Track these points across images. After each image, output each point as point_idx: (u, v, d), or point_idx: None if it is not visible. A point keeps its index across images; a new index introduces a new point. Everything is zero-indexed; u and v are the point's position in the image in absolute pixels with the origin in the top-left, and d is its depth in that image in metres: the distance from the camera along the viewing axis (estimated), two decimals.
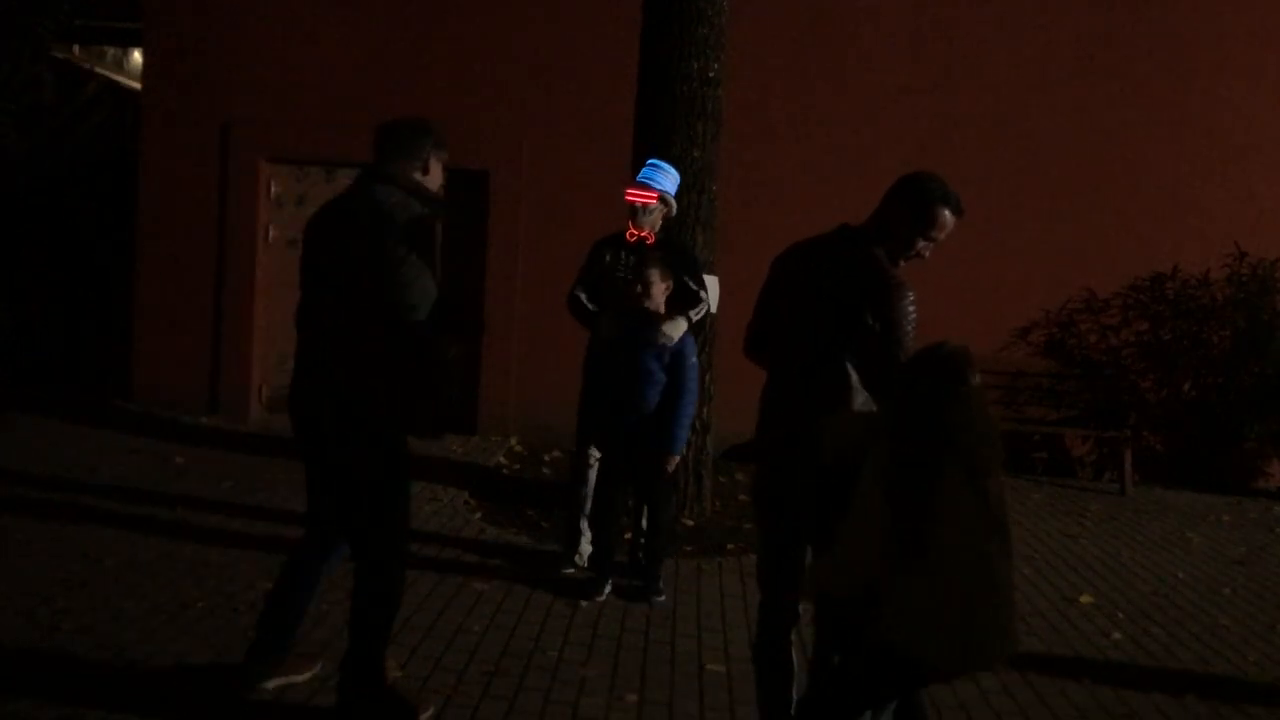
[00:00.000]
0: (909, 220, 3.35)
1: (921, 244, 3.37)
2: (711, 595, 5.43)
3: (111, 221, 9.85)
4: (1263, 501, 8.56)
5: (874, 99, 8.88)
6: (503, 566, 5.63)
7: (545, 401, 8.37)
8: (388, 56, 8.88)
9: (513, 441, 8.76)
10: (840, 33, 8.93)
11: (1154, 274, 9.02)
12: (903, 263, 3.41)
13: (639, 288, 5.20)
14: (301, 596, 3.91)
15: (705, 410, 6.58)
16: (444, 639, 4.58)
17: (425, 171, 3.74)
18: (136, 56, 11.61)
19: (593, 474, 5.60)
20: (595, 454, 5.59)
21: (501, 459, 8.21)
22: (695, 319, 5.41)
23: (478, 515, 6.59)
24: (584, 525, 5.66)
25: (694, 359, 5.31)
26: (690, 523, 6.62)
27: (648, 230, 5.56)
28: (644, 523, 5.55)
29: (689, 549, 6.11)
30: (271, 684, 3.92)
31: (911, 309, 3.23)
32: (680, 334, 5.21)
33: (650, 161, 5.76)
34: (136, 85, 10.72)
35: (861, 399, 3.30)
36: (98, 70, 11.67)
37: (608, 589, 5.27)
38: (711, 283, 6.35)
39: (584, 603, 5.16)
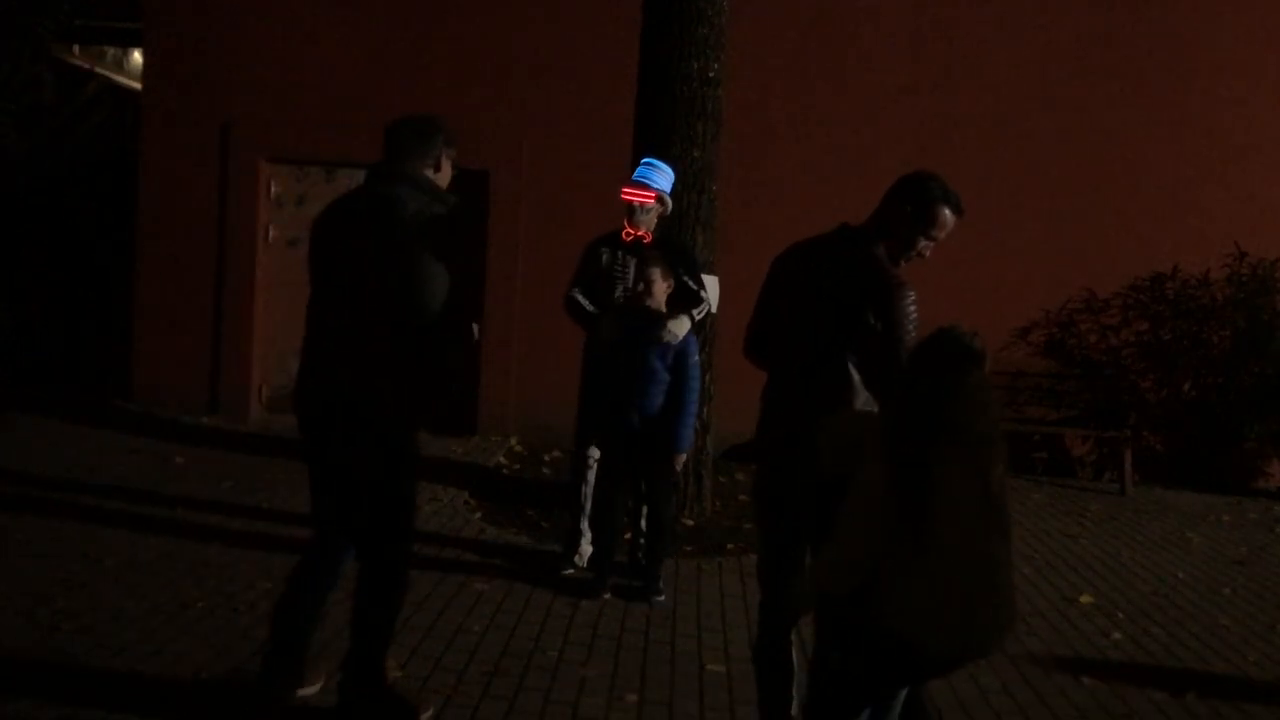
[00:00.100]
0: (910, 219, 3.35)
1: (923, 243, 3.38)
2: (711, 595, 5.43)
3: (111, 221, 9.86)
4: (1263, 501, 8.56)
5: (874, 99, 8.88)
6: (503, 566, 5.63)
7: (545, 401, 8.37)
8: (388, 56, 8.89)
9: (513, 441, 8.76)
10: (840, 33, 8.93)
11: (1154, 274, 9.02)
12: (903, 262, 3.41)
13: (641, 286, 5.20)
14: (313, 601, 3.81)
15: (705, 410, 6.59)
16: (444, 639, 4.58)
17: (437, 169, 3.73)
18: (136, 56, 11.61)
19: (592, 474, 5.61)
20: (594, 454, 5.59)
21: (501, 459, 8.21)
22: (697, 318, 5.41)
23: (478, 515, 6.59)
24: (584, 526, 5.66)
25: (697, 357, 5.32)
26: (690, 523, 6.62)
27: (644, 230, 5.56)
28: (644, 523, 5.55)
29: (689, 549, 6.11)
30: (302, 692, 3.87)
31: (912, 309, 3.23)
32: (684, 332, 5.22)
33: (645, 160, 5.76)
34: (136, 85, 10.72)
35: (862, 399, 3.30)
36: (98, 70, 11.67)
37: (608, 589, 5.27)
38: (711, 283, 6.35)
39: (584, 603, 5.16)
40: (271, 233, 9.04)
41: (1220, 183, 9.00)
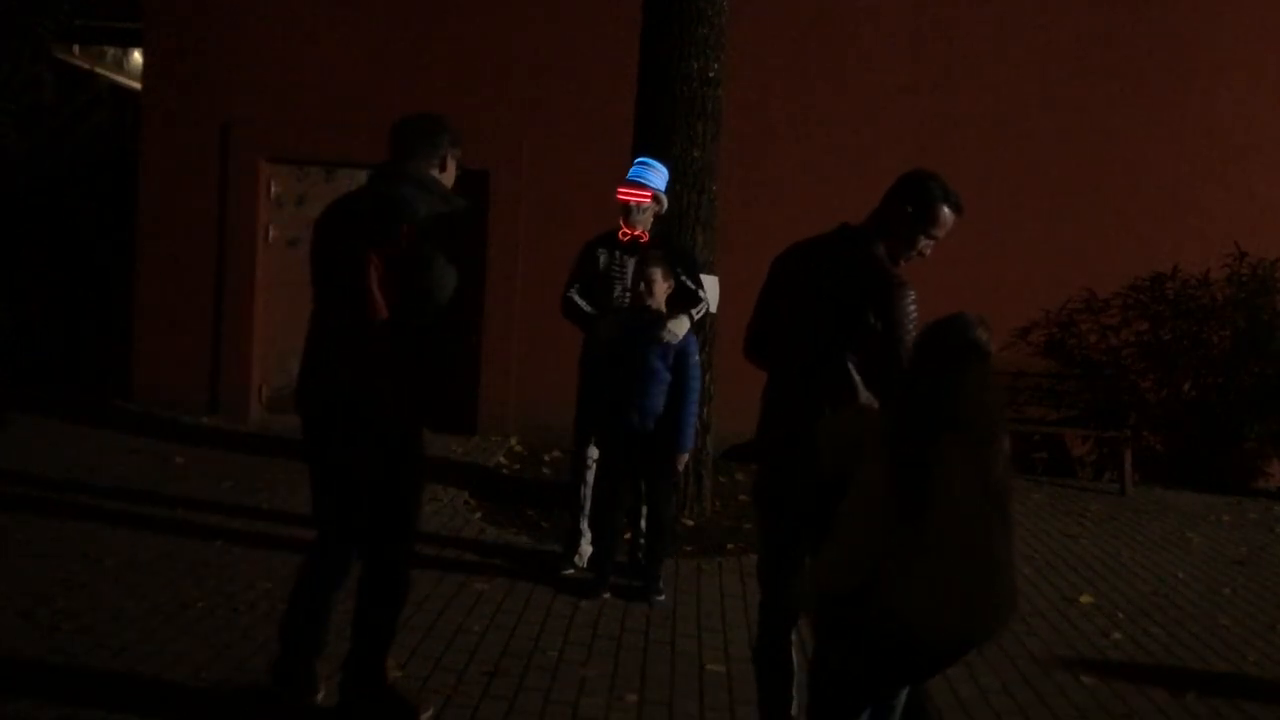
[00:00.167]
0: (911, 219, 3.36)
1: (923, 242, 3.39)
2: (711, 595, 5.43)
3: (111, 221, 9.85)
4: (1263, 501, 8.56)
5: (874, 99, 8.88)
6: (503, 566, 5.63)
7: (545, 401, 8.36)
8: (388, 56, 8.88)
9: (513, 441, 8.76)
10: (840, 33, 8.93)
11: (1154, 274, 9.02)
12: (903, 262, 3.41)
13: (642, 286, 5.20)
14: (321, 606, 3.77)
15: (705, 410, 6.58)
16: (444, 639, 4.58)
17: (442, 169, 3.72)
18: (136, 56, 11.61)
19: (591, 474, 5.61)
20: (594, 454, 5.59)
21: (501, 459, 8.21)
22: (696, 318, 5.41)
23: (478, 515, 6.59)
24: (584, 526, 5.66)
25: (697, 357, 5.32)
26: (690, 523, 6.62)
27: (641, 229, 5.56)
28: (643, 523, 5.55)
29: (689, 549, 6.11)
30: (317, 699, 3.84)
31: (913, 308, 3.24)
32: (684, 331, 5.22)
33: (639, 160, 5.75)
34: (136, 85, 10.72)
35: (863, 399, 3.30)
36: (98, 70, 11.67)
37: (608, 589, 5.27)
38: (711, 283, 6.35)
39: (584, 603, 5.16)
40: (271, 233, 9.04)
41: (1220, 183, 9.00)
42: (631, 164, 5.96)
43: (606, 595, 5.24)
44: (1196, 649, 5.14)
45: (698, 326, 5.50)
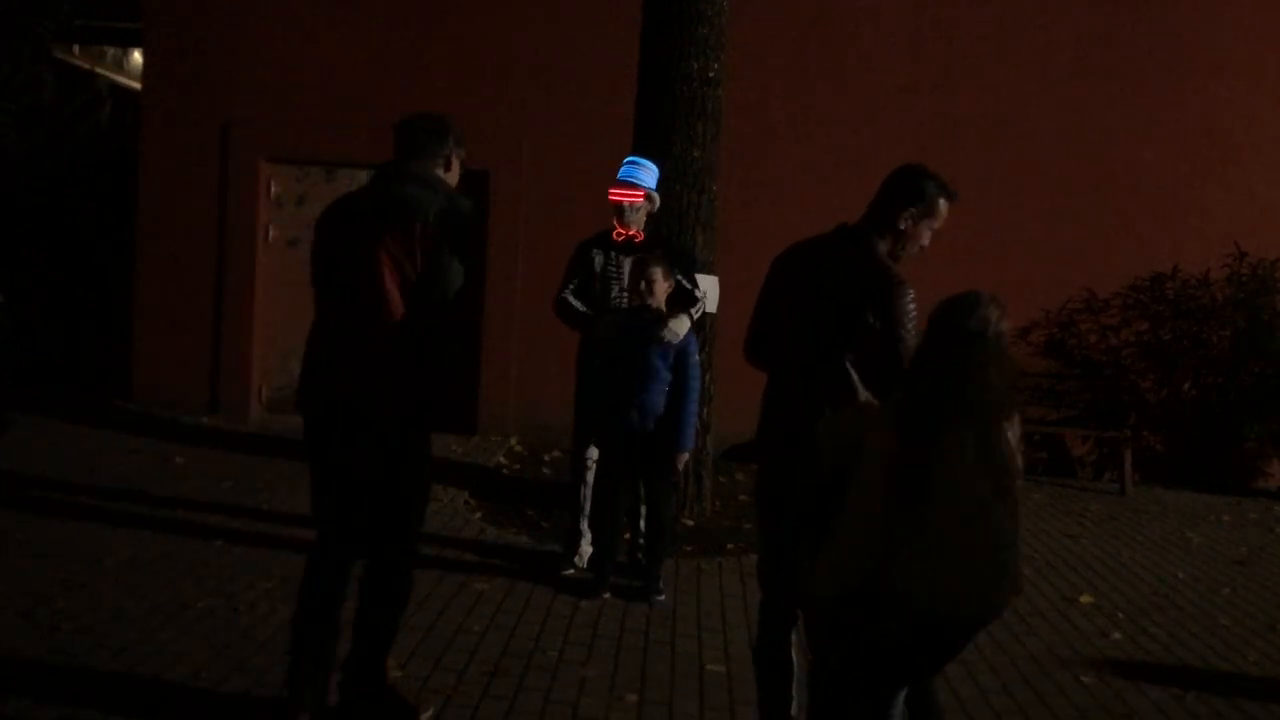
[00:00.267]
0: (913, 216, 3.37)
1: (925, 236, 3.41)
2: (711, 595, 5.43)
3: (111, 221, 9.86)
4: (1263, 501, 8.56)
5: (874, 99, 8.88)
6: (503, 566, 5.63)
7: (545, 401, 8.37)
8: (388, 56, 8.88)
9: (513, 441, 8.76)
10: (840, 33, 8.93)
11: (1154, 274, 9.02)
12: (902, 256, 3.42)
13: (643, 285, 5.20)
14: (328, 612, 3.69)
15: (705, 410, 6.58)
16: (444, 639, 4.58)
17: (447, 168, 3.71)
18: (136, 56, 11.61)
19: (591, 475, 5.60)
20: (593, 455, 5.59)
21: (501, 459, 8.21)
22: (695, 317, 5.41)
23: (478, 515, 6.59)
24: (584, 526, 5.66)
25: (697, 357, 5.32)
26: (690, 523, 6.62)
27: (635, 229, 5.55)
28: (643, 523, 5.55)
29: (689, 549, 6.11)
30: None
31: (912, 307, 3.24)
32: (685, 331, 5.22)
33: (629, 159, 5.74)
34: (136, 85, 10.72)
35: (863, 399, 3.31)
36: (98, 70, 11.67)
37: (607, 589, 5.27)
38: (711, 283, 6.35)
39: (584, 603, 5.16)
40: (271, 233, 9.04)
41: (1220, 183, 8.99)
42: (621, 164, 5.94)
43: (606, 595, 5.24)
44: (1196, 649, 5.14)
45: (697, 326, 5.50)
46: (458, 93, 8.66)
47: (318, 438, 3.66)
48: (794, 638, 3.51)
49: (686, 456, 5.39)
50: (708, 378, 6.54)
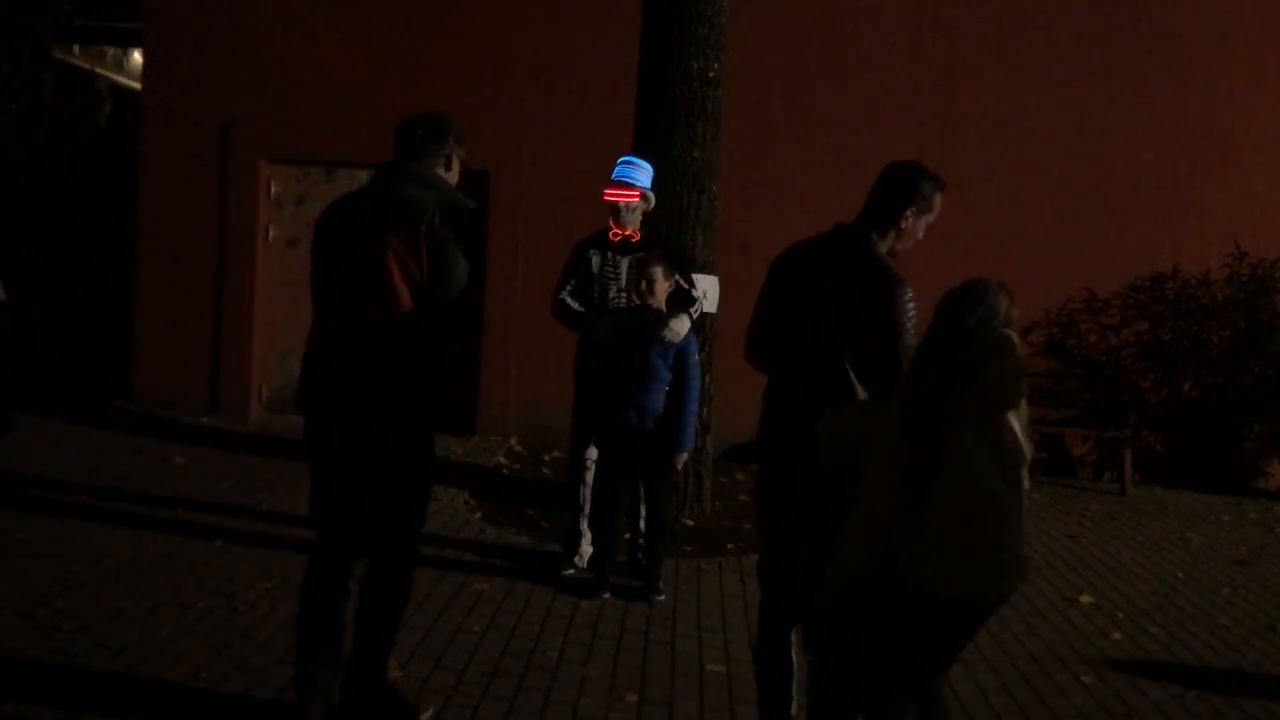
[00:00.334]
0: (912, 214, 3.39)
1: (922, 230, 3.42)
2: (711, 595, 5.43)
3: (111, 221, 9.86)
4: (1263, 501, 8.56)
5: (874, 99, 8.88)
6: (503, 566, 5.63)
7: (545, 401, 8.37)
8: (388, 56, 8.88)
9: (513, 441, 8.76)
10: (840, 33, 8.93)
11: (1154, 274, 9.02)
12: (899, 252, 3.44)
13: (643, 285, 5.20)
14: (333, 616, 3.67)
15: (705, 410, 6.58)
16: (444, 639, 4.58)
17: (448, 168, 3.71)
18: (136, 56, 11.62)
19: (590, 475, 5.60)
20: (592, 455, 5.59)
21: (501, 459, 8.21)
22: (694, 317, 5.42)
23: (478, 515, 6.59)
24: (584, 527, 5.66)
25: (697, 356, 5.32)
26: (690, 523, 6.62)
27: (631, 229, 5.55)
28: (643, 523, 5.55)
29: (689, 549, 6.11)
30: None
31: (911, 306, 3.25)
32: (685, 330, 5.23)
33: (623, 159, 5.73)
34: (136, 85, 10.72)
35: (863, 399, 3.31)
36: (98, 70, 11.67)
37: (607, 589, 5.27)
38: (711, 283, 6.35)
39: (584, 603, 5.16)
40: (271, 233, 9.04)
41: (1220, 183, 8.99)
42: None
43: (606, 595, 5.24)
44: (1196, 649, 5.14)
45: (697, 326, 5.50)
46: (458, 93, 8.66)
47: (318, 438, 3.65)
48: (794, 638, 3.51)
49: (686, 456, 5.39)
50: (708, 378, 6.54)
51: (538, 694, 4.13)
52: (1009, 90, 8.94)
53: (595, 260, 5.57)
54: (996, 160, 8.84)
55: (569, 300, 5.59)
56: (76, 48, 11.54)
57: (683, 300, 5.40)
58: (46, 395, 8.97)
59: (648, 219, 5.71)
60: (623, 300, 5.50)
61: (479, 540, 6.10)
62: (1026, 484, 2.98)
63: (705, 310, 5.99)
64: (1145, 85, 8.97)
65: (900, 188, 3.40)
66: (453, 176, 3.72)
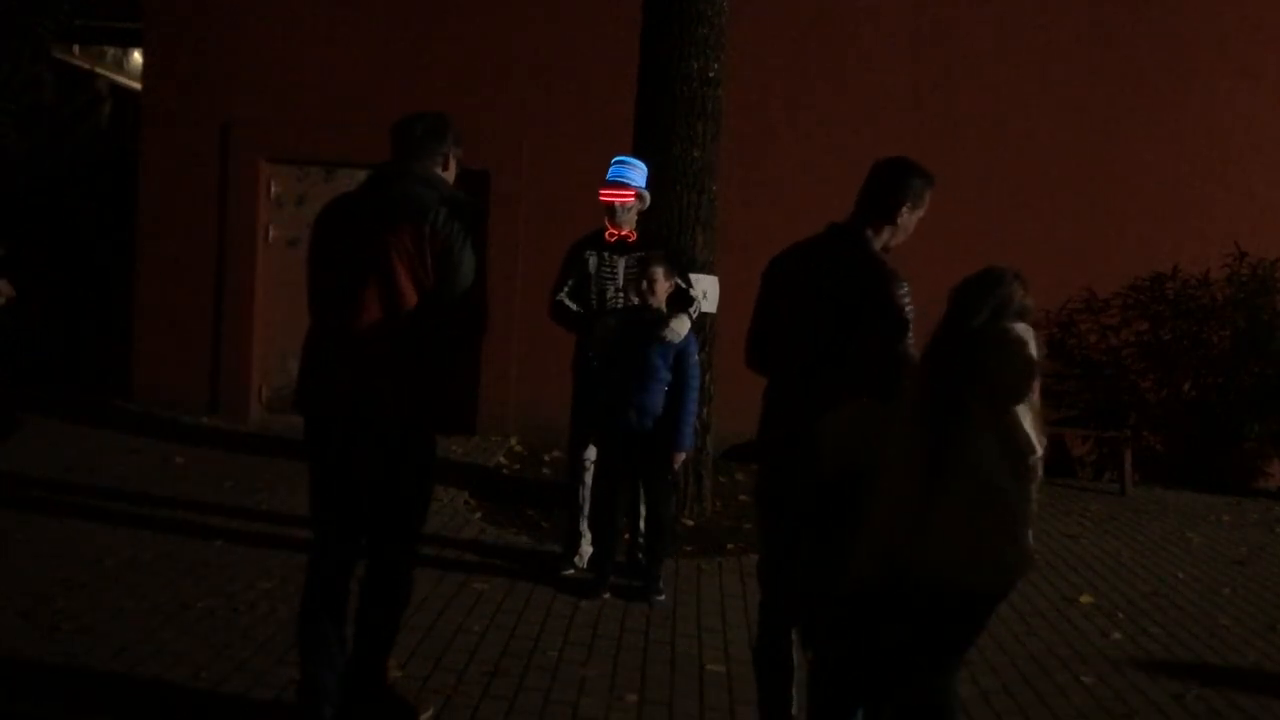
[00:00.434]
0: (907, 210, 3.41)
1: (914, 225, 3.46)
2: (711, 595, 5.43)
3: (111, 221, 9.86)
4: (1263, 501, 8.56)
5: (874, 99, 8.87)
6: (503, 566, 5.63)
7: (545, 401, 8.36)
8: (388, 56, 8.88)
9: (513, 441, 8.76)
10: (840, 33, 8.93)
11: (1154, 274, 9.02)
12: (892, 248, 3.45)
13: (644, 285, 5.20)
14: (335, 619, 3.63)
15: (705, 410, 6.58)
16: (444, 639, 4.58)
17: (445, 167, 3.70)
18: (136, 56, 11.61)
19: (589, 476, 5.60)
20: (590, 456, 5.59)
21: (501, 459, 8.21)
22: (694, 316, 5.42)
23: (478, 515, 6.59)
24: (583, 527, 5.66)
25: (696, 356, 5.32)
26: (690, 523, 6.62)
27: (627, 229, 5.56)
28: (643, 523, 5.55)
29: (689, 549, 6.11)
30: None
31: (907, 301, 3.26)
32: (686, 330, 5.23)
33: (617, 159, 5.73)
34: (136, 85, 10.72)
35: (862, 400, 3.31)
36: (98, 70, 11.67)
37: (607, 590, 5.27)
38: (711, 283, 6.35)
39: (584, 603, 5.16)
40: (271, 233, 9.04)
41: (1220, 183, 8.99)
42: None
43: (606, 595, 5.24)
44: (1196, 649, 5.14)
45: (697, 326, 5.50)
46: (458, 93, 8.66)
47: (318, 438, 3.63)
48: (794, 637, 3.51)
49: (684, 456, 5.39)
50: (708, 378, 6.54)
51: (538, 694, 4.13)
52: (1009, 90, 8.93)
53: (592, 261, 5.57)
54: (996, 160, 8.84)
55: (567, 301, 5.59)
56: (76, 48, 11.54)
57: (681, 301, 5.41)
58: (46, 395, 8.96)
59: (643, 218, 5.71)
60: (620, 300, 5.50)
61: (479, 540, 6.10)
62: (1039, 478, 3.01)
63: (705, 310, 6.00)
64: (1145, 85, 8.97)
65: (894, 184, 3.42)
66: (449, 176, 3.71)
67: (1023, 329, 3.00)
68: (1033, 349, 2.98)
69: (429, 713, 3.83)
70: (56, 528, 5.74)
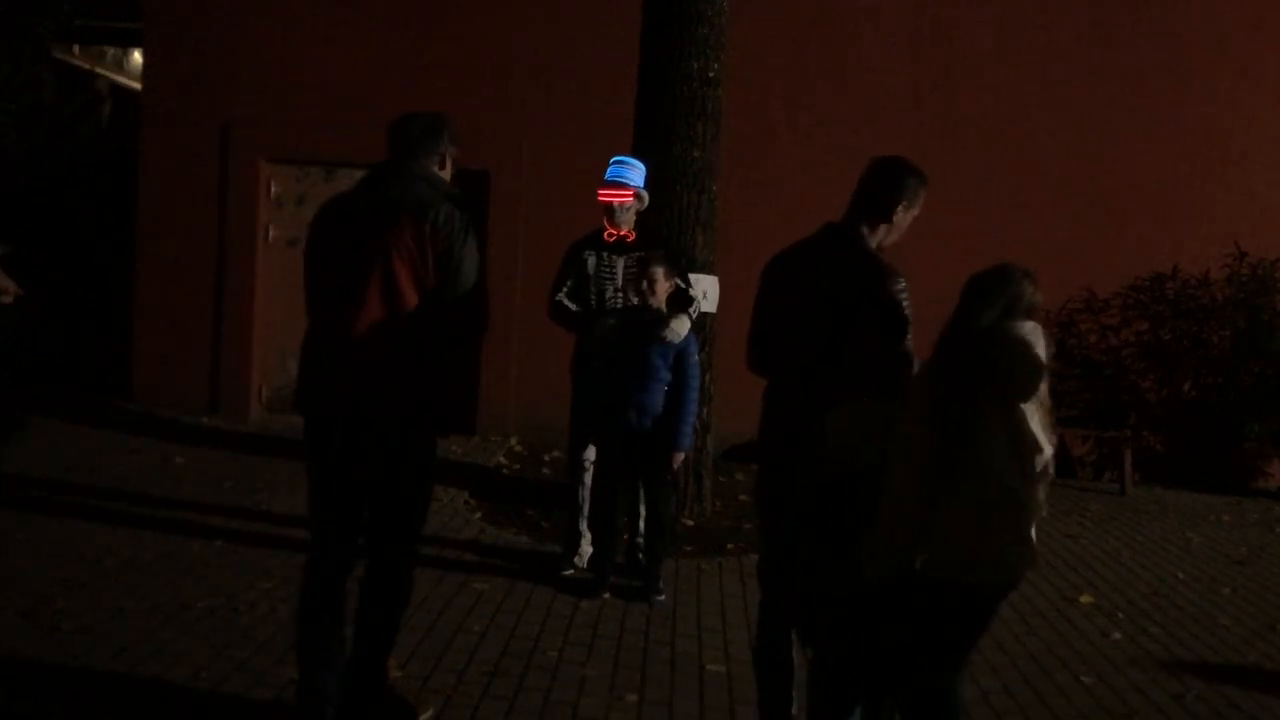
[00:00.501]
0: (902, 203, 3.42)
1: (907, 224, 3.47)
2: (711, 595, 5.43)
3: (111, 221, 9.85)
4: (1263, 501, 8.56)
5: (874, 99, 8.88)
6: (503, 566, 5.63)
7: (545, 401, 8.35)
8: (388, 56, 8.88)
9: (513, 441, 8.76)
10: (840, 33, 8.93)
11: (1154, 274, 9.02)
12: (886, 246, 3.46)
13: (645, 285, 5.20)
14: (333, 609, 3.64)
15: (705, 410, 6.58)
16: (444, 639, 4.58)
17: (442, 166, 3.70)
18: (136, 56, 11.61)
19: (589, 476, 5.60)
20: (590, 456, 5.59)
21: (501, 459, 8.21)
22: (694, 316, 5.42)
23: (478, 515, 6.59)
24: (583, 527, 5.66)
25: (696, 356, 5.32)
26: (690, 523, 6.61)
27: (626, 229, 5.56)
28: (643, 523, 5.55)
29: (689, 549, 6.11)
30: None
31: (905, 297, 3.26)
32: (686, 330, 5.23)
33: (615, 159, 5.73)
34: (136, 85, 10.72)
35: (863, 399, 3.31)
36: (98, 70, 11.67)
37: (607, 590, 5.27)
38: (711, 283, 6.35)
39: (584, 603, 5.16)
40: (271, 233, 9.04)
41: (1220, 183, 8.99)
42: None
43: (606, 595, 5.24)
44: (1196, 649, 5.14)
45: (697, 326, 5.50)
46: (458, 93, 8.66)
47: (318, 439, 3.63)
48: (794, 637, 3.51)
49: (684, 456, 5.39)
50: (708, 378, 6.54)
51: (538, 694, 4.13)
52: (1009, 90, 8.94)
53: (591, 261, 5.57)
54: (996, 160, 8.84)
55: (566, 302, 5.59)
56: (76, 48, 11.53)
57: (681, 301, 5.41)
58: (46, 395, 8.96)
59: (642, 218, 5.72)
60: (619, 300, 5.50)
61: (479, 540, 6.10)
62: (1049, 476, 3.03)
63: (705, 310, 6.00)
64: (1145, 85, 8.97)
65: (891, 183, 3.42)
66: (446, 175, 3.71)
67: (1032, 327, 3.01)
68: (1042, 347, 3.00)
69: (429, 713, 3.83)
70: (56, 528, 5.74)
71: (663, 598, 5.26)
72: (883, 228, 3.42)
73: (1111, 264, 8.99)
